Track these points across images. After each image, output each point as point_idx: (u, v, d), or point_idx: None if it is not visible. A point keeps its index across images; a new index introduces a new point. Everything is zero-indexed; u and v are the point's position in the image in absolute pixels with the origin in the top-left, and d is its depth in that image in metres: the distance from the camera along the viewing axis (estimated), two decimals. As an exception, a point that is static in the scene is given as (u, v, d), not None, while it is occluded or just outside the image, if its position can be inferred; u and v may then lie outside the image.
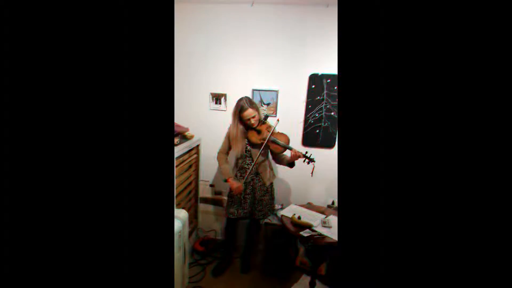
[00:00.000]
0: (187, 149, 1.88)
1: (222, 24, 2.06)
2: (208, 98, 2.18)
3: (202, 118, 2.20)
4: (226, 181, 1.78)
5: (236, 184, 1.74)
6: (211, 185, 2.22)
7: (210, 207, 2.26)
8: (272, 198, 1.88)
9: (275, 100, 2.14)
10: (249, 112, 1.67)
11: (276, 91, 2.12)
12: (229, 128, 1.79)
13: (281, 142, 1.69)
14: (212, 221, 2.28)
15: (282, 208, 1.94)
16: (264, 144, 1.67)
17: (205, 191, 2.25)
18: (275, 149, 1.71)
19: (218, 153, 1.85)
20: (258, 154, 1.70)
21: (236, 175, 1.82)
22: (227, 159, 1.85)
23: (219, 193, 2.23)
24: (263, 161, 1.80)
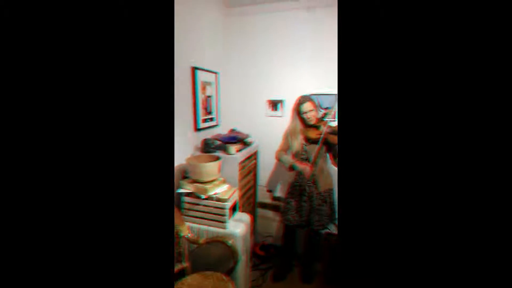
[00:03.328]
0: (247, 155, 1.94)
1: (276, 31, 2.10)
2: (264, 105, 2.23)
3: (259, 125, 2.25)
4: (292, 168, 1.74)
5: (304, 164, 1.70)
6: (269, 191, 2.24)
7: (268, 213, 2.28)
8: (331, 208, 1.80)
9: (333, 104, 2.07)
10: (307, 105, 1.67)
11: (335, 95, 2.05)
12: (289, 125, 1.80)
13: None
14: (270, 227, 2.29)
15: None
16: (323, 136, 1.62)
17: (262, 197, 2.28)
18: (335, 141, 1.63)
19: (277, 152, 1.85)
20: (317, 145, 1.65)
21: (292, 188, 1.81)
22: (286, 154, 1.84)
23: (276, 198, 2.24)
24: (320, 161, 1.74)
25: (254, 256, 2.11)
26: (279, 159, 1.84)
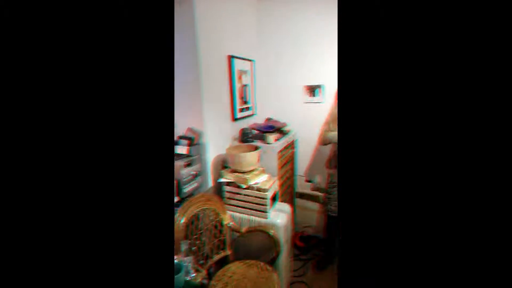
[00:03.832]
0: (285, 144, 1.89)
1: (313, 13, 1.96)
2: (302, 91, 2.13)
3: (297, 113, 2.16)
4: None
5: None
6: (308, 181, 2.17)
7: (307, 203, 2.22)
8: None
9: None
10: None
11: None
12: (332, 110, 1.74)
13: None
14: (309, 217, 2.24)
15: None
16: None
17: (301, 187, 2.22)
18: None
19: (321, 131, 1.79)
20: None
21: (334, 178, 1.71)
22: None
23: (316, 188, 2.16)
24: None
25: (294, 246, 2.09)
26: (325, 141, 1.71)
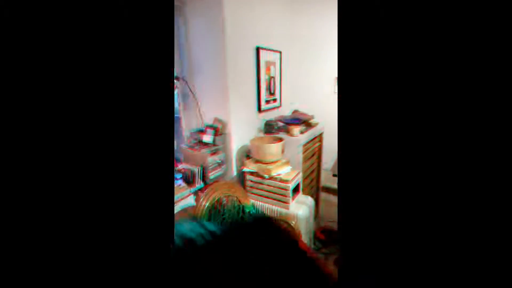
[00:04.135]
0: (312, 137, 1.87)
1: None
2: (332, 83, 2.07)
3: (325, 105, 2.11)
4: None
5: None
6: (335, 175, 2.12)
7: (332, 197, 2.19)
8: None
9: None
10: None
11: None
12: None
13: None
14: (334, 212, 2.20)
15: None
16: None
17: (326, 180, 2.19)
18: None
19: None
20: None
21: None
22: None
23: (342, 183, 2.12)
24: None
25: (316, 239, 2.08)
26: None
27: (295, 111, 2.08)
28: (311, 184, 2.07)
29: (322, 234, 2.08)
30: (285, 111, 2.17)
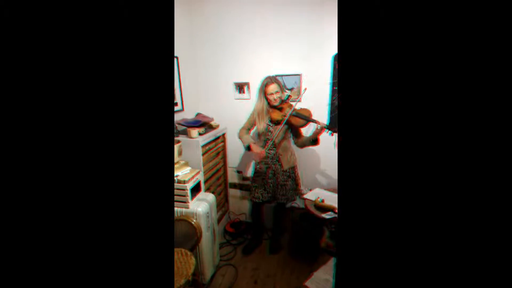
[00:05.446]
0: (213, 138, 1.99)
1: (241, 14, 2.09)
2: (232, 88, 2.26)
3: (227, 108, 2.29)
4: (248, 148, 1.78)
5: (258, 149, 1.74)
6: (238, 172, 2.32)
7: (239, 192, 2.38)
8: (295, 182, 1.91)
9: (298, 84, 2.11)
10: (273, 87, 1.71)
11: (299, 75, 2.09)
12: (255, 105, 1.83)
13: (303, 114, 1.69)
14: (241, 205, 2.40)
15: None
16: (285, 118, 1.68)
17: (233, 177, 2.37)
18: (297, 123, 1.70)
19: (240, 129, 1.90)
20: (280, 127, 1.72)
21: (258, 167, 1.89)
22: (248, 133, 1.89)
23: (246, 178, 2.33)
24: (283, 141, 1.82)
25: (226, 233, 2.23)
26: (240, 138, 1.89)
27: (198, 114, 2.18)
28: (219, 182, 2.21)
29: (232, 228, 2.24)
30: (191, 115, 2.24)
